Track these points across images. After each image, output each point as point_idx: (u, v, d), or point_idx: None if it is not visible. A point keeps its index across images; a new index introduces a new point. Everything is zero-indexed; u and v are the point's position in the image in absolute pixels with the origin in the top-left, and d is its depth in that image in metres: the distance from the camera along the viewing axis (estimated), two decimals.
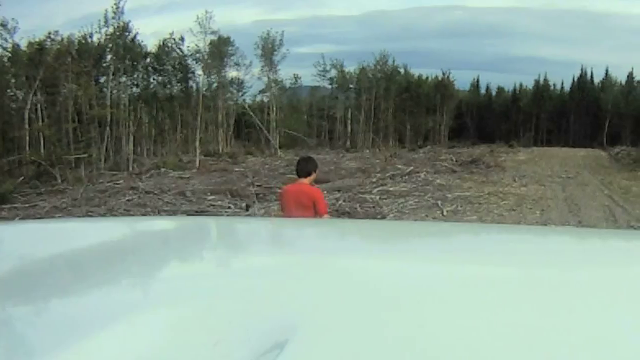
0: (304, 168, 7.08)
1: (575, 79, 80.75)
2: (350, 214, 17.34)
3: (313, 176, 7.10)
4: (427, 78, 72.64)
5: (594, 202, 19.85)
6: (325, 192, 18.41)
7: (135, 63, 44.16)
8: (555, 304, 0.97)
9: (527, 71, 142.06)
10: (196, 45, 47.27)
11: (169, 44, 48.25)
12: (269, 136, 50.41)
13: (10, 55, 37.74)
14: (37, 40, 38.76)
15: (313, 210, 6.77)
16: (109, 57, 42.40)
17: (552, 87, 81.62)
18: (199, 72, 48.95)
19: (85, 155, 35.55)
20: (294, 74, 63.15)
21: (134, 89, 45.63)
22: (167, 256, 1.46)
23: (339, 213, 17.22)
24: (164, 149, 45.55)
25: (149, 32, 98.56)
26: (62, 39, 40.23)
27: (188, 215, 16.56)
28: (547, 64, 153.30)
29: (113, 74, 41.75)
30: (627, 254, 1.50)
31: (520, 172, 30.12)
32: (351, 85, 63.94)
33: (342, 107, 62.05)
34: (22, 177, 29.26)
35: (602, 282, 1.14)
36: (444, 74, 71.57)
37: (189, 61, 48.70)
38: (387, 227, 2.33)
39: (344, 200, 19.24)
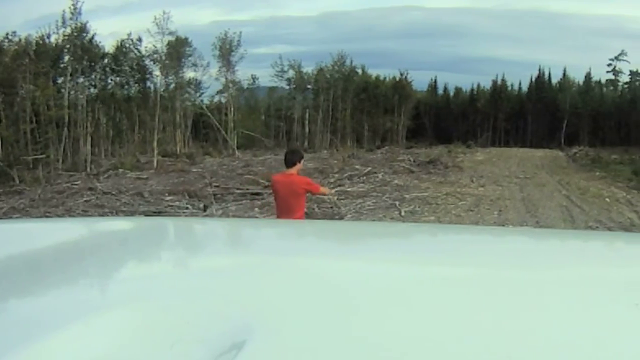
0: (291, 159, 8.02)
1: (533, 79, 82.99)
2: (308, 215, 16.45)
3: (299, 166, 7.97)
4: (384, 79, 74.60)
5: (552, 203, 20.46)
6: None
7: (92, 64, 44.86)
8: (514, 304, 1.01)
9: (485, 72, 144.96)
10: (154, 45, 48.17)
11: (127, 45, 48.94)
12: (227, 137, 51.45)
13: None
14: None
15: (305, 196, 8.08)
16: (66, 57, 43.19)
17: (509, 88, 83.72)
18: (157, 72, 49.85)
19: (43, 156, 36.24)
20: (252, 75, 64.83)
21: (92, 90, 46.20)
22: (125, 257, 1.50)
23: None
24: (121, 149, 46.03)
25: (107, 33, 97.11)
26: (20, 40, 41.08)
27: (146, 215, 16.87)
28: (504, 65, 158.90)
29: (71, 75, 42.63)
30: (584, 254, 1.57)
31: (478, 172, 31.15)
32: (309, 86, 65.47)
33: (300, 108, 63.33)
34: None
35: (560, 282, 1.19)
36: (401, 74, 73.52)
37: (147, 62, 49.58)
38: (345, 228, 2.38)
39: None
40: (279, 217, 8.25)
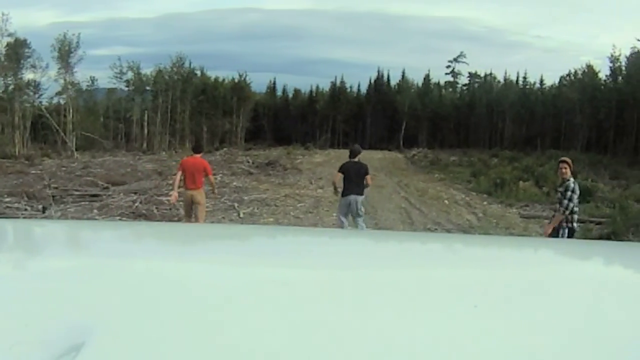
0: (196, 148, 13.24)
1: (372, 81, 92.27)
2: (147, 217, 18.01)
3: (201, 154, 12.96)
4: (223, 80, 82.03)
5: (391, 205, 21.38)
6: (121, 194, 21.95)
7: None
8: (353, 305, 1.11)
9: (324, 73, 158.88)
10: None
11: None
12: (66, 138, 56.47)
13: None
14: None
15: (204, 173, 12.26)
16: None
17: (348, 90, 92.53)
18: None
19: None
20: (91, 76, 71.25)
21: None
22: None
23: (136, 215, 18.17)
24: None
25: None
26: None
27: None
28: (343, 66, 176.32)
29: None
30: (423, 256, 1.73)
31: (316, 174, 33.22)
32: (148, 88, 71.81)
33: (139, 110, 69.52)
34: None
35: (400, 284, 1.30)
36: (240, 76, 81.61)
37: None
38: (183, 230, 2.57)
39: (140, 203, 20.00)
40: (186, 187, 12.28)
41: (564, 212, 9.64)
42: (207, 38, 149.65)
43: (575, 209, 9.86)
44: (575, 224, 10.02)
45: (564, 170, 9.80)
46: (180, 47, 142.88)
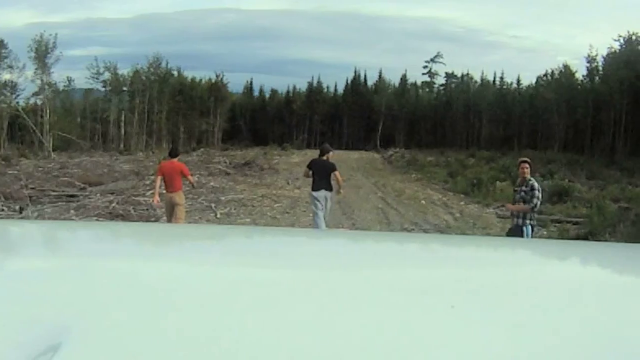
0: (172, 152, 13.62)
1: (349, 82, 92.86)
2: (124, 217, 18.16)
3: (178, 157, 13.31)
4: (200, 80, 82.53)
5: (368, 205, 21.75)
6: (98, 195, 22.80)
7: None
8: (332, 305, 1.12)
9: (301, 74, 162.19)
10: None
11: None
12: (43, 139, 56.86)
13: None
14: None
15: (181, 176, 12.99)
16: None
17: (325, 90, 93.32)
18: None
19: None
20: (68, 77, 71.85)
21: None
22: None
23: (113, 216, 18.34)
24: None
25: None
26: None
27: None
28: (320, 67, 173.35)
29: None
30: (400, 256, 1.74)
31: (293, 174, 32.76)
32: (125, 88, 72.23)
33: (116, 110, 70.04)
34: None
35: (376, 284, 1.31)
36: (217, 76, 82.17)
37: None
38: (161, 230, 2.62)
39: (117, 203, 20.23)
40: (166, 190, 12.92)
41: (532, 208, 10.33)
42: (184, 38, 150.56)
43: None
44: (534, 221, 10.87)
45: (525, 170, 10.58)
46: (157, 48, 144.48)
